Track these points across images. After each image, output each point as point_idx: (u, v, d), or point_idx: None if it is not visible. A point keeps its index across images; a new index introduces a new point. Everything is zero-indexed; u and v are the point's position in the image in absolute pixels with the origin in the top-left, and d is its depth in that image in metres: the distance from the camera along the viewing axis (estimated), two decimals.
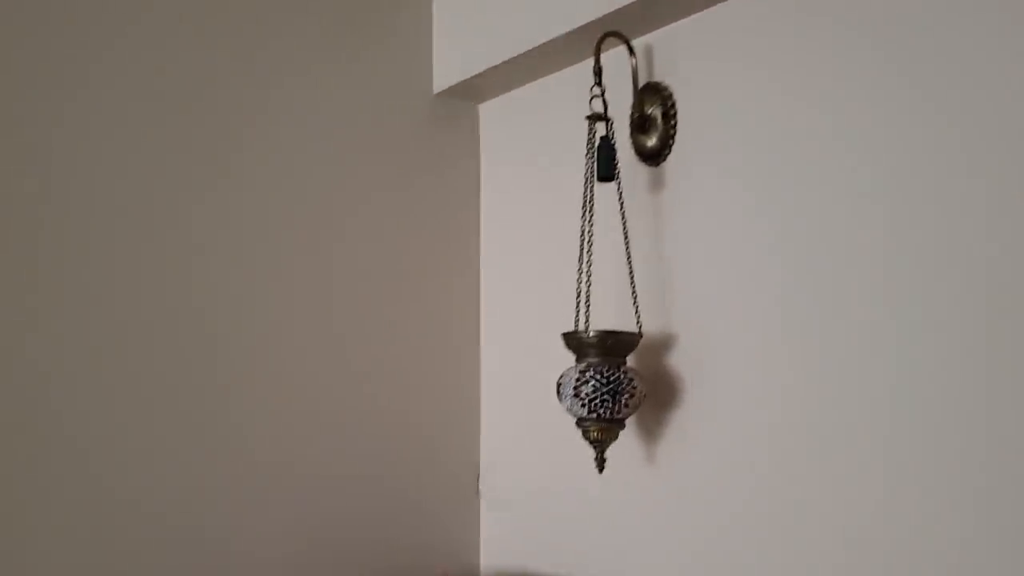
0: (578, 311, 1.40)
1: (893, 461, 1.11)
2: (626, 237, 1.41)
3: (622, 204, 1.41)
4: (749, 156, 1.32)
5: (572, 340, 1.37)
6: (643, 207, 1.46)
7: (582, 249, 1.40)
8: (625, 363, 1.36)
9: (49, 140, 1.37)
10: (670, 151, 1.43)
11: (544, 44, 1.53)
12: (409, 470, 1.71)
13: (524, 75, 1.69)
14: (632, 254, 1.41)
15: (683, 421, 1.40)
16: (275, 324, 1.56)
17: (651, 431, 1.44)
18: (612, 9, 1.38)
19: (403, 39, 1.75)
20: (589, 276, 1.39)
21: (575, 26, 1.45)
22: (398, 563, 1.66)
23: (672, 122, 1.42)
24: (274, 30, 1.59)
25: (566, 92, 1.59)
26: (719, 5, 1.36)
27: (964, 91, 1.06)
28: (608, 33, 1.41)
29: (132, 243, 1.44)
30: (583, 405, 1.33)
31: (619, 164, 1.39)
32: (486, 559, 1.78)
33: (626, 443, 1.45)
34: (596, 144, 1.39)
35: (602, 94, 1.39)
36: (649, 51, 1.47)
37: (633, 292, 1.40)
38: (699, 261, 1.39)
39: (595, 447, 1.37)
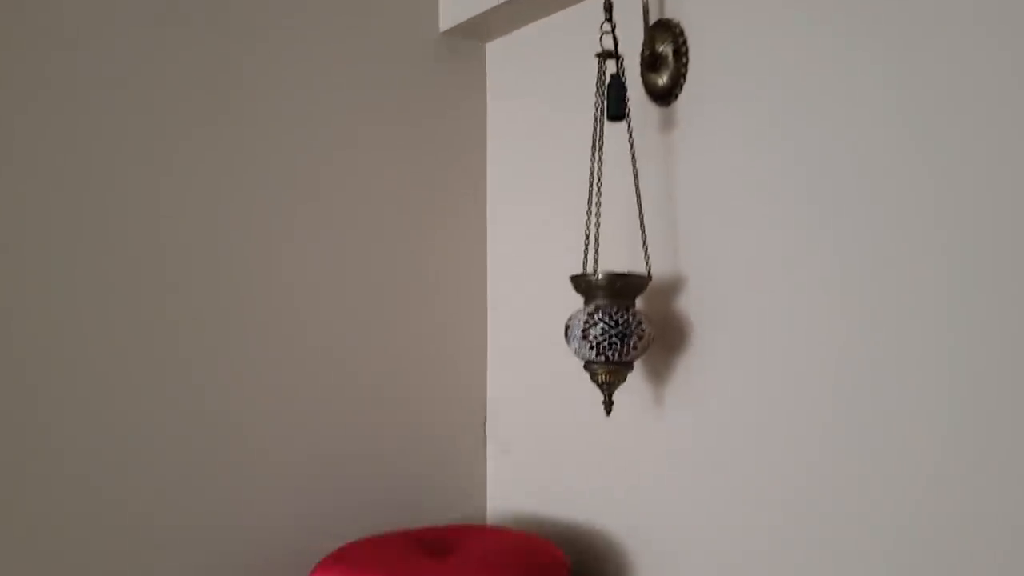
0: (587, 253, 1.39)
1: (906, 401, 1.11)
2: (636, 178, 1.38)
3: (632, 144, 1.38)
4: (761, 95, 1.29)
5: (580, 282, 1.36)
6: (653, 147, 1.44)
7: (591, 190, 1.38)
8: (634, 306, 1.35)
9: (37, 89, 1.35)
10: (681, 90, 1.40)
11: None
12: (416, 414, 1.71)
13: (531, 13, 1.66)
14: (642, 195, 1.39)
15: (691, 364, 1.39)
16: (284, 264, 1.55)
17: (659, 374, 1.43)
18: None
19: None
20: (598, 218, 1.38)
21: None
22: (407, 506, 1.67)
23: (684, 60, 1.39)
24: None
25: (574, 30, 1.56)
26: None
27: (984, 18, 1.03)
28: None
29: (137, 177, 1.42)
30: (591, 347, 1.32)
31: (629, 103, 1.36)
32: (493, 502, 1.80)
33: (634, 386, 1.44)
34: (606, 82, 1.36)
35: (612, 30, 1.36)
36: None
37: (643, 234, 1.39)
38: (710, 203, 1.37)
39: (603, 389, 1.36)
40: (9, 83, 1.31)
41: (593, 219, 1.38)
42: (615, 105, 1.35)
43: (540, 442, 1.69)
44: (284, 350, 1.54)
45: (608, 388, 1.36)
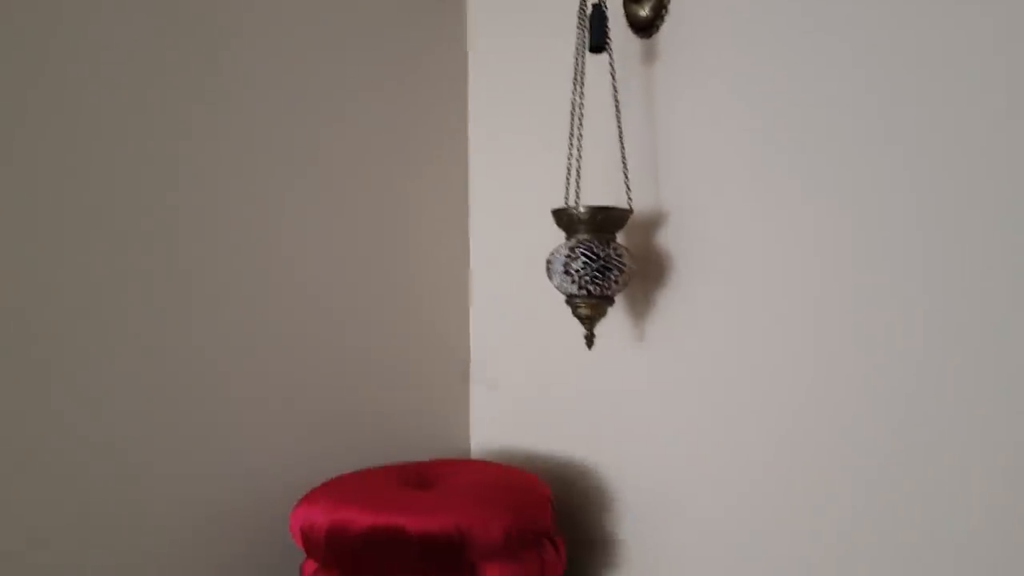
0: (568, 187, 1.38)
1: (882, 329, 1.12)
2: (618, 111, 1.37)
3: (614, 76, 1.37)
4: (744, 27, 1.27)
5: (562, 216, 1.35)
6: (635, 80, 1.42)
7: (572, 124, 1.37)
8: (615, 240, 1.35)
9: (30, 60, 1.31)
10: (663, 22, 1.39)
11: None
12: (400, 351, 1.71)
13: None
14: (623, 129, 1.38)
15: (672, 298, 1.39)
16: (266, 205, 1.53)
17: (640, 310, 1.44)
18: None
19: None
20: (580, 151, 1.37)
21: None
22: (391, 444, 1.68)
23: None
24: None
25: None
26: None
27: None
28: None
29: (111, 117, 1.39)
30: (573, 281, 1.32)
31: (611, 35, 1.34)
32: (477, 438, 1.81)
33: (615, 321, 1.45)
34: (588, 13, 1.34)
35: None
36: None
37: (624, 167, 1.38)
38: (691, 137, 1.36)
39: (584, 323, 1.37)
40: None
41: (575, 152, 1.37)
42: (596, 35, 1.33)
43: (523, 377, 1.70)
44: (268, 290, 1.53)
45: (589, 322, 1.37)
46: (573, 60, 1.36)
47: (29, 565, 1.27)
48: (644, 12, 1.40)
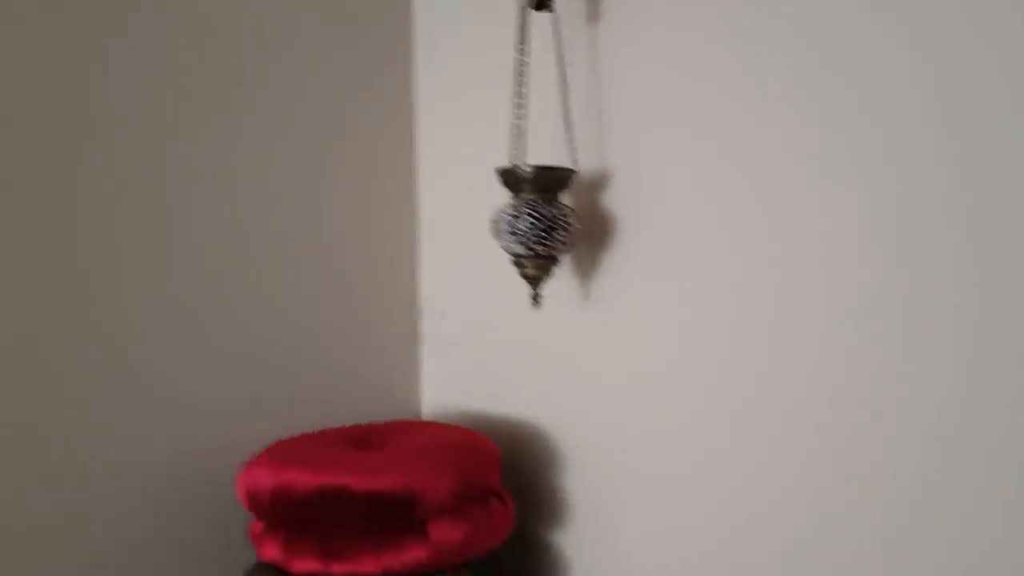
0: (514, 146, 1.37)
1: (828, 286, 1.14)
2: (562, 70, 1.37)
3: (558, 35, 1.36)
4: None
5: (508, 175, 1.35)
6: (580, 40, 1.41)
7: (518, 82, 1.36)
8: (560, 199, 1.35)
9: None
10: None
11: None
12: (349, 311, 1.71)
13: None
14: (569, 88, 1.37)
15: (618, 260, 1.40)
16: (206, 158, 1.50)
17: (586, 271, 1.44)
18: None
19: None
20: (525, 110, 1.36)
21: None
22: (339, 405, 1.68)
23: None
24: None
25: None
26: None
27: None
28: None
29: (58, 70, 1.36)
30: (519, 242, 1.32)
31: None
32: (427, 398, 1.82)
33: (562, 282, 1.45)
34: None
35: None
36: None
37: (568, 127, 1.38)
38: (637, 96, 1.36)
39: (531, 283, 1.37)
40: None
41: (519, 111, 1.36)
42: None
43: (473, 338, 1.70)
44: (209, 251, 1.51)
45: (535, 282, 1.37)
46: (516, 17, 1.35)
47: None
48: None
